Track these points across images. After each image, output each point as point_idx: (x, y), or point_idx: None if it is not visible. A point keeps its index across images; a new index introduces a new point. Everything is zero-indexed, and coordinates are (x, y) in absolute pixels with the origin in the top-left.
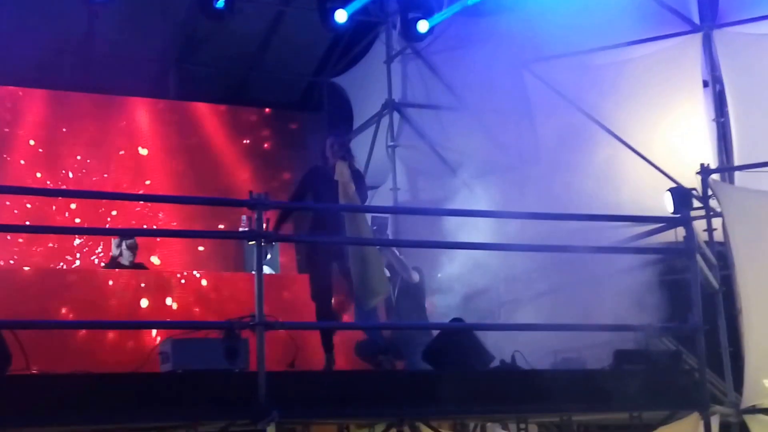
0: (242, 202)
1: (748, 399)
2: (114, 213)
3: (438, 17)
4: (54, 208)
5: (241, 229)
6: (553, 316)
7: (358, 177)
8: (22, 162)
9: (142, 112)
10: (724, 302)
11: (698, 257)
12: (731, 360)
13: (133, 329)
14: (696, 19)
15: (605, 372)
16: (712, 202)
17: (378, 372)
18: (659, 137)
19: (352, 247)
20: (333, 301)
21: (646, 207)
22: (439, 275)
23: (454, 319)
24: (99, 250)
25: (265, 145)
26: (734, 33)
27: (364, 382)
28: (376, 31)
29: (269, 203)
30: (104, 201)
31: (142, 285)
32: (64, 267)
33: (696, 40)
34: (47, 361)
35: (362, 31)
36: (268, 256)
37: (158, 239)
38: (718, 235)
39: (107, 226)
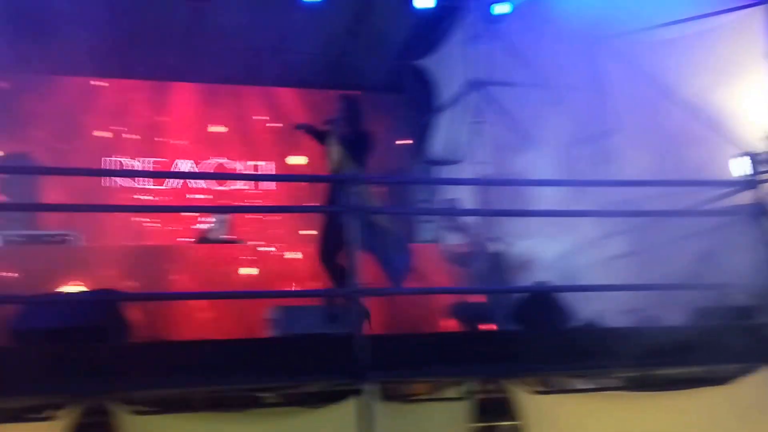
0: (338, 178)
1: None
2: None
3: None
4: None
5: None
6: (632, 277)
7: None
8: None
9: (244, 99)
10: None
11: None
12: None
13: (244, 299)
14: None
15: (683, 328)
16: None
17: (471, 332)
18: (728, 106)
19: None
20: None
21: (717, 173)
22: (526, 243)
23: (538, 283)
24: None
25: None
26: None
27: (458, 342)
28: (456, 15)
29: (362, 178)
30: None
31: (246, 258)
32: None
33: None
34: (168, 329)
35: (443, 16)
36: None
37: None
38: None
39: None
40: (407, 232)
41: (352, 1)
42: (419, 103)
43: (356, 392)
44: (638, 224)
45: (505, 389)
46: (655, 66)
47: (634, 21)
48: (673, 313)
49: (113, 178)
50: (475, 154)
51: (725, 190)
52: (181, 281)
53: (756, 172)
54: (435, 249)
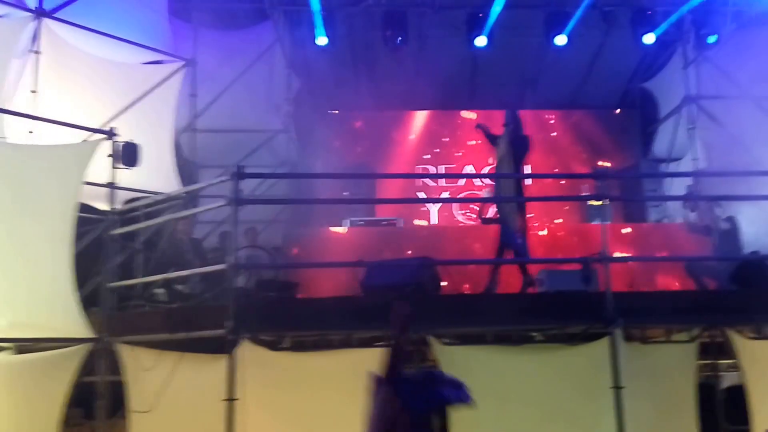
0: (590, 174)
1: None
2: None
3: (723, 30)
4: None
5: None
6: None
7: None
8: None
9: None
10: None
11: None
12: None
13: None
14: None
15: None
16: None
17: (697, 290)
18: None
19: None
20: None
21: None
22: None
23: (752, 252)
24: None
25: (593, 136)
26: None
27: (686, 297)
28: (674, 46)
29: (610, 174)
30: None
31: None
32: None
33: None
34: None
35: (664, 46)
36: None
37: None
38: None
39: None
40: (641, 214)
41: (592, 43)
42: (646, 116)
43: (605, 335)
44: None
45: (725, 335)
46: None
47: None
48: None
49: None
50: (691, 153)
51: None
52: (475, 249)
53: None
54: (660, 227)
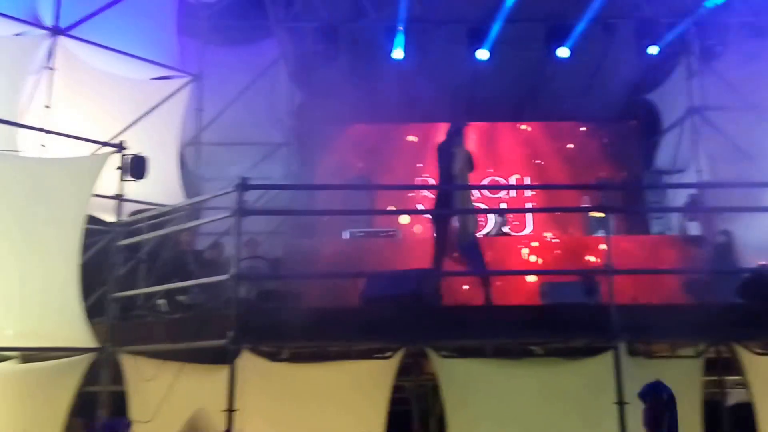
0: (592, 186)
1: None
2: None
3: (727, 41)
4: None
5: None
6: None
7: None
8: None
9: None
10: None
11: None
12: None
13: (521, 275)
14: None
15: None
16: None
17: (701, 304)
18: None
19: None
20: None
21: None
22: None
23: (761, 265)
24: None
25: (596, 148)
26: None
27: (690, 311)
28: (678, 57)
29: (612, 186)
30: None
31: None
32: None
33: None
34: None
35: (668, 57)
36: None
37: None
38: None
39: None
40: (643, 226)
41: (594, 54)
42: (649, 127)
43: (608, 349)
44: None
45: (731, 350)
46: None
47: None
48: None
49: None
50: (694, 164)
51: None
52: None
53: None
54: (665, 239)
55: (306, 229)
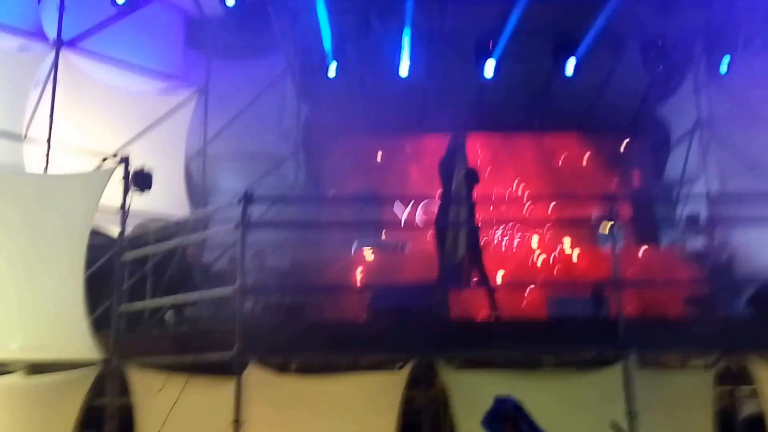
0: (601, 197)
1: None
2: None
3: (735, 54)
4: None
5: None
6: None
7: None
8: None
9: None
10: None
11: None
12: None
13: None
14: None
15: None
16: None
17: (708, 316)
18: None
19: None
20: None
21: None
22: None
23: None
24: None
25: (604, 161)
26: None
27: (701, 323)
28: (685, 70)
29: (621, 197)
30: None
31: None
32: None
33: None
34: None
35: (676, 70)
36: None
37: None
38: None
39: None
40: (654, 237)
41: (602, 67)
42: (658, 140)
43: (619, 360)
44: None
45: (744, 361)
46: None
47: None
48: None
49: None
50: (703, 176)
51: None
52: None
53: None
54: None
55: (314, 242)
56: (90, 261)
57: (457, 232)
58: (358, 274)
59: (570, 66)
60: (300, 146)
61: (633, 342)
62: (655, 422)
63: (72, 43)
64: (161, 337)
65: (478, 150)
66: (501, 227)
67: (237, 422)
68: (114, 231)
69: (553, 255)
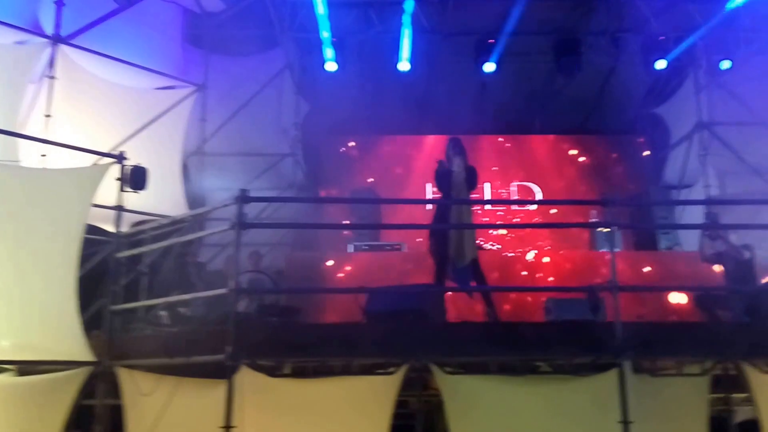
0: (598, 201)
1: None
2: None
3: (736, 55)
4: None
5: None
6: None
7: (470, 169)
8: None
9: (524, 145)
10: None
11: None
12: None
13: (528, 291)
14: None
15: None
16: None
17: (708, 321)
18: None
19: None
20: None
21: None
22: None
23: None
24: None
25: (603, 162)
26: None
27: (697, 328)
28: (686, 71)
29: (617, 201)
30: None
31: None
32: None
33: None
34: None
35: (676, 72)
36: None
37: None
38: None
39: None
40: (651, 242)
41: (602, 68)
42: (657, 142)
43: (614, 366)
44: None
45: (738, 368)
46: None
47: None
48: None
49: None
50: (703, 180)
51: None
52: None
53: None
54: (671, 255)
55: (310, 242)
56: (84, 259)
57: (462, 237)
58: (352, 276)
59: (569, 66)
60: (299, 144)
61: (629, 347)
62: (650, 428)
63: (69, 38)
64: (152, 338)
65: (477, 150)
66: (498, 229)
67: (228, 426)
68: (109, 229)
69: (549, 258)
